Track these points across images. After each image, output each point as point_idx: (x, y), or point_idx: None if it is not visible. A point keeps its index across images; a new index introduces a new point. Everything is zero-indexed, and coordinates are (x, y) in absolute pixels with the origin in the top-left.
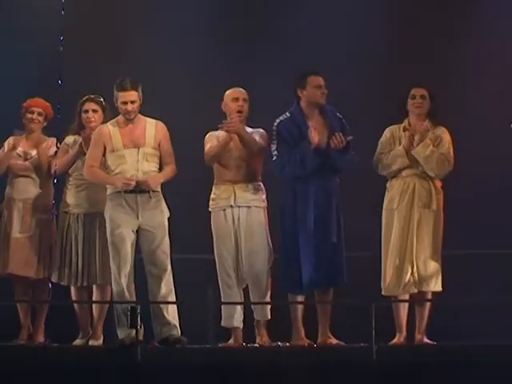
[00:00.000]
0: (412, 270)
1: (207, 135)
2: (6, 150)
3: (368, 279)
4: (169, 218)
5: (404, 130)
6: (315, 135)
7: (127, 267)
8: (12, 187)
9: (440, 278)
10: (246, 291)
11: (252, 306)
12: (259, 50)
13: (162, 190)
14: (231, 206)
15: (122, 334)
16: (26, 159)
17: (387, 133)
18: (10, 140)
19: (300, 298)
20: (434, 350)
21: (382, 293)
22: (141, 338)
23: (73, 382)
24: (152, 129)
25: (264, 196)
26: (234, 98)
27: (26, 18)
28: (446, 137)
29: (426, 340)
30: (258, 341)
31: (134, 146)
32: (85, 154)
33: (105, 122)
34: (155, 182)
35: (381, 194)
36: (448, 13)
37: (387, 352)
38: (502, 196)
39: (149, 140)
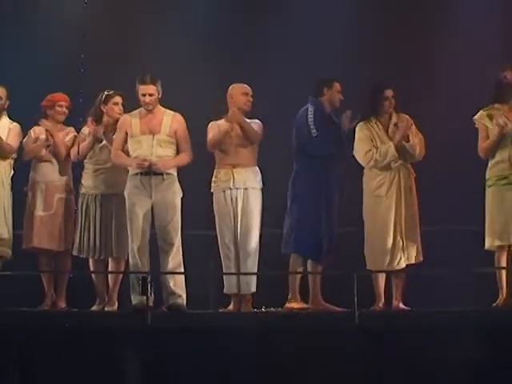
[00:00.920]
0: (403, 248)
1: (210, 125)
2: (33, 139)
3: (348, 253)
4: (182, 198)
5: (394, 125)
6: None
7: (139, 241)
8: (35, 171)
9: (420, 251)
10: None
11: (240, 279)
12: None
13: (178, 173)
14: (230, 188)
15: (135, 299)
16: (48, 146)
17: (364, 130)
18: (36, 129)
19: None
20: (409, 315)
21: (368, 267)
22: (151, 304)
23: (90, 343)
24: (169, 119)
25: (259, 178)
26: (244, 92)
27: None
28: (414, 124)
29: (401, 306)
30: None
31: (149, 133)
32: (100, 141)
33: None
34: (165, 165)
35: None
36: (422, 13)
37: (368, 317)
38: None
39: (164, 128)
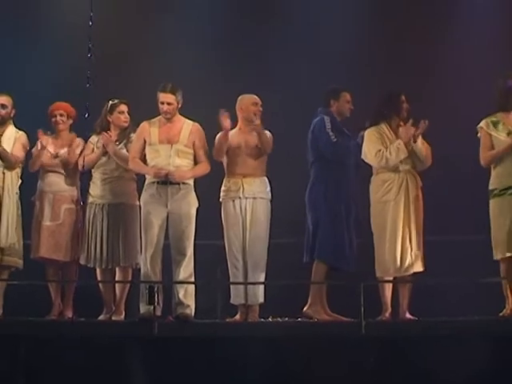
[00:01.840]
0: (410, 255)
1: (217, 136)
2: (38, 149)
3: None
4: (197, 209)
5: (398, 127)
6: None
7: (153, 249)
8: (43, 181)
9: (424, 260)
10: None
11: (247, 289)
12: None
13: (194, 184)
14: (239, 198)
15: (142, 309)
16: (55, 157)
17: (374, 133)
18: (43, 140)
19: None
20: (415, 324)
21: (378, 274)
22: (158, 313)
23: (97, 352)
24: (187, 129)
25: (269, 189)
26: (254, 102)
27: (56, 20)
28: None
29: (408, 316)
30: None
31: (167, 142)
32: (107, 152)
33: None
34: (181, 175)
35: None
36: (423, 17)
37: (374, 327)
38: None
39: (182, 138)
